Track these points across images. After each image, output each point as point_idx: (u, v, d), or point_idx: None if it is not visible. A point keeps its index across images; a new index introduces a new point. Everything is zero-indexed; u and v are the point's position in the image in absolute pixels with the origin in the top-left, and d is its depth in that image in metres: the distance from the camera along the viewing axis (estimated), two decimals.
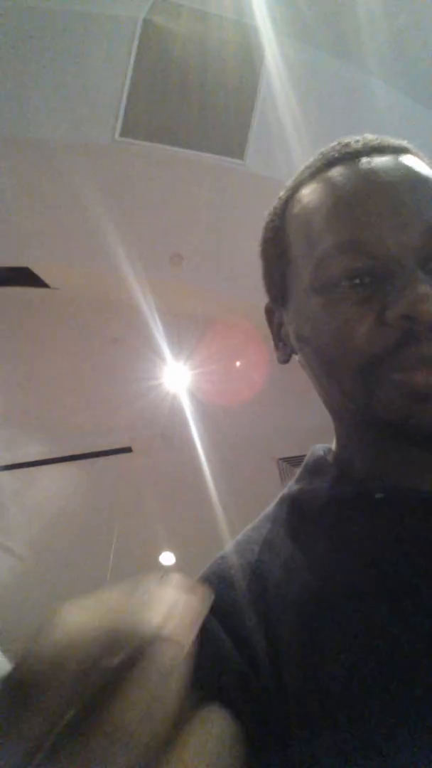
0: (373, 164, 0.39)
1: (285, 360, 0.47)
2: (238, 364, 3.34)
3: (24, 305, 2.95)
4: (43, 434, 3.72)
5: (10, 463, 3.75)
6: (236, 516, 3.76)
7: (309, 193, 0.41)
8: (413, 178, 0.38)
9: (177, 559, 4.67)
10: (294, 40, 2.12)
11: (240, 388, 3.41)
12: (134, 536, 4.38)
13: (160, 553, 4.67)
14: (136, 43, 1.98)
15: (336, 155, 0.41)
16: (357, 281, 0.36)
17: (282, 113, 2.13)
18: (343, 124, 2.21)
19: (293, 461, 3.83)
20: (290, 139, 2.11)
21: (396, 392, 0.35)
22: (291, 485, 0.46)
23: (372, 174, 0.38)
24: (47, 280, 2.69)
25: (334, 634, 0.32)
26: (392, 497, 0.37)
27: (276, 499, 0.47)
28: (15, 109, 2.04)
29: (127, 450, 3.87)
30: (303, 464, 0.48)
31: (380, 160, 0.39)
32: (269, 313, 0.49)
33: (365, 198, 0.37)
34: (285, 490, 0.46)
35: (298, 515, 0.42)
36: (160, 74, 2.06)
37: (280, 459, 3.86)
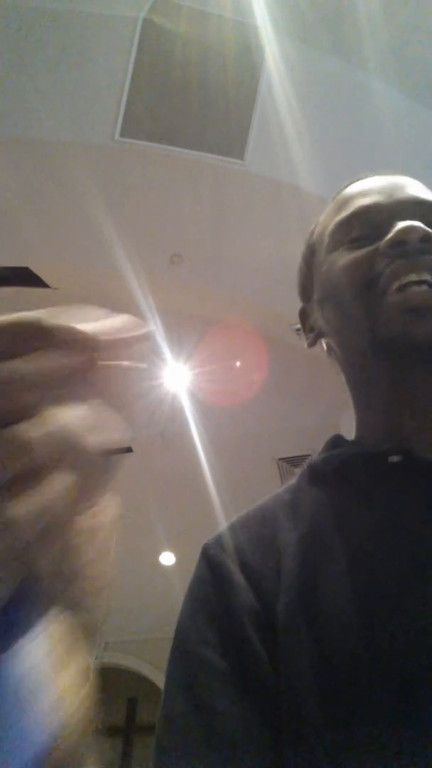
0: (372, 176, 0.52)
1: (312, 343, 0.55)
2: (238, 364, 3.34)
3: (24, 305, 2.94)
4: None
5: None
6: (236, 516, 3.76)
7: (328, 207, 0.54)
8: (404, 179, 0.50)
9: (177, 559, 4.67)
10: (294, 40, 2.12)
11: (240, 388, 3.40)
12: (134, 536, 4.38)
13: (160, 553, 4.67)
14: (136, 43, 1.98)
15: (348, 182, 0.53)
16: (357, 242, 0.46)
17: (282, 113, 2.13)
18: (343, 124, 2.21)
19: (293, 461, 3.83)
20: (290, 139, 2.10)
21: (394, 309, 0.41)
22: (309, 460, 0.51)
23: (371, 178, 0.51)
24: (47, 280, 2.69)
25: (329, 565, 0.38)
26: (405, 462, 0.41)
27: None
28: (15, 109, 2.04)
29: (127, 450, 3.86)
30: (323, 446, 0.52)
31: (378, 175, 0.52)
32: (302, 314, 0.57)
33: (365, 189, 0.49)
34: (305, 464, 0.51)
35: (312, 478, 0.47)
36: (160, 74, 2.06)
37: (280, 459, 3.86)
